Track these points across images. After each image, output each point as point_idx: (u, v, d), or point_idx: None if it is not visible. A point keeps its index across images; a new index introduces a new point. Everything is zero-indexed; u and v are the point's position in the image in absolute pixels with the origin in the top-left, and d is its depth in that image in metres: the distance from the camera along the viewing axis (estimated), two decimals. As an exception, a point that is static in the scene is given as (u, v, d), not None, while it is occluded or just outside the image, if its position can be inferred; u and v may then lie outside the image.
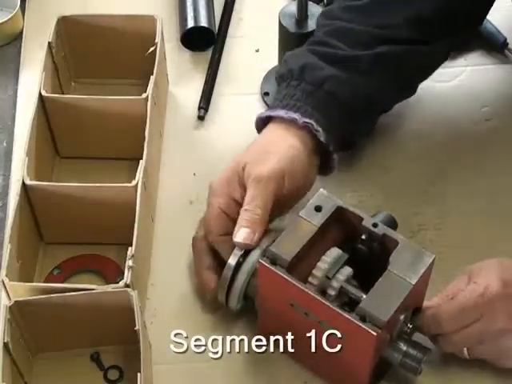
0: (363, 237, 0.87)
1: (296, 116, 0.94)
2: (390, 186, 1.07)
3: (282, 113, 0.95)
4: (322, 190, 0.89)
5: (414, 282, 0.82)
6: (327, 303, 0.82)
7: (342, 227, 0.88)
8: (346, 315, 0.81)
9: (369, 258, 0.87)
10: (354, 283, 0.86)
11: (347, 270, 0.86)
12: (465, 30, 1.05)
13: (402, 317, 0.85)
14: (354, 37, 0.99)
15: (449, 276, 0.95)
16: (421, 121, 1.13)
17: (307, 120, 0.94)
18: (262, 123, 0.99)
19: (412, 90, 1.05)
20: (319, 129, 0.94)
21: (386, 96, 1.02)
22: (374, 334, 0.80)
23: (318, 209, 0.87)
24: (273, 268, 0.84)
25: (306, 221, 0.87)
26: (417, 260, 0.84)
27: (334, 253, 0.86)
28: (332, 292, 0.85)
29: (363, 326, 0.80)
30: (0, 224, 1.03)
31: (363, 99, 0.98)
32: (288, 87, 0.98)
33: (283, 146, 0.94)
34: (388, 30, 0.99)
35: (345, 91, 0.97)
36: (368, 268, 0.86)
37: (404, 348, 0.87)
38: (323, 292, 0.85)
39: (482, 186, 1.06)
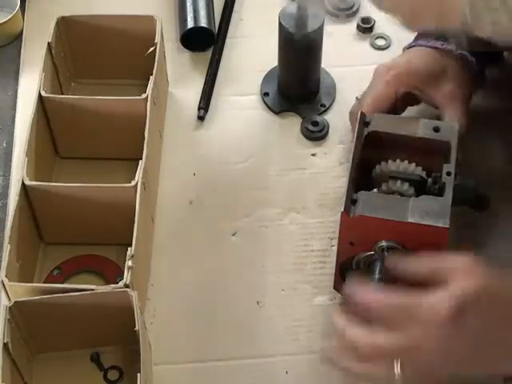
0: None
1: (451, 47, 0.99)
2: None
3: (438, 44, 1.00)
4: (457, 125, 0.90)
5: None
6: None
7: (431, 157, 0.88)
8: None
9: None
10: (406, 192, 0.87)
11: (409, 189, 0.86)
12: None
13: None
14: None
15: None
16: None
17: (462, 52, 0.99)
18: None
19: None
20: (473, 59, 1.00)
21: None
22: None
23: (437, 129, 0.88)
24: None
25: (418, 127, 0.89)
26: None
27: (415, 170, 0.87)
28: (384, 187, 0.87)
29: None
30: (0, 224, 1.03)
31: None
32: None
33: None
34: None
35: None
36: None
37: None
38: (377, 182, 0.88)
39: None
